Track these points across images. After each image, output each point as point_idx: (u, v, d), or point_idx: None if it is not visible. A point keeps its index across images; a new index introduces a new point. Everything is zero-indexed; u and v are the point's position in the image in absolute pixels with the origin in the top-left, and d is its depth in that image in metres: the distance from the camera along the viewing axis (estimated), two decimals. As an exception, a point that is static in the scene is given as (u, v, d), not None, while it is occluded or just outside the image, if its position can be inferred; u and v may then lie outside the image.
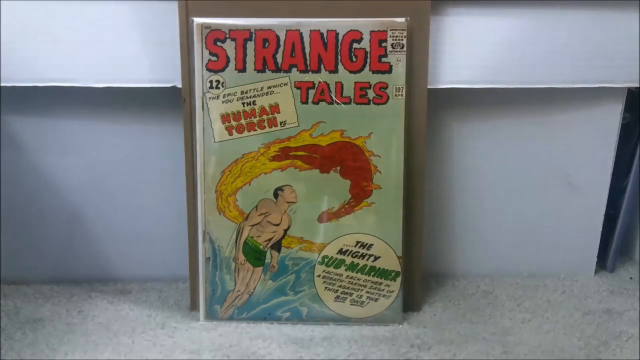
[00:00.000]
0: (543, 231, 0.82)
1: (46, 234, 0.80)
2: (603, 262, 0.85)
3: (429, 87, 0.70)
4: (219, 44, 0.67)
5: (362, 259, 0.70)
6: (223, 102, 0.68)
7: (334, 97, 0.67)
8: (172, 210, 0.77)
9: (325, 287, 0.71)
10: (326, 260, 0.70)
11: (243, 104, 0.68)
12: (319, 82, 0.67)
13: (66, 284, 0.81)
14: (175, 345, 0.67)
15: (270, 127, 0.68)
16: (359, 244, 0.70)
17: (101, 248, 0.81)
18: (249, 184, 0.69)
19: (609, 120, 0.77)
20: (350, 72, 0.67)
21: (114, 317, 0.73)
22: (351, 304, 0.71)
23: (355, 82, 0.67)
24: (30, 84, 0.70)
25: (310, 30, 0.66)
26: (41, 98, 0.74)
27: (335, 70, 0.67)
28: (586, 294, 0.79)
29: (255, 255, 0.70)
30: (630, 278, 0.84)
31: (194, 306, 0.74)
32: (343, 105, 0.67)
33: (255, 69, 0.67)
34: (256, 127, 0.68)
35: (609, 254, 0.85)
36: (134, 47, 0.70)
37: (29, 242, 0.80)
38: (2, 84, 0.70)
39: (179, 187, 0.72)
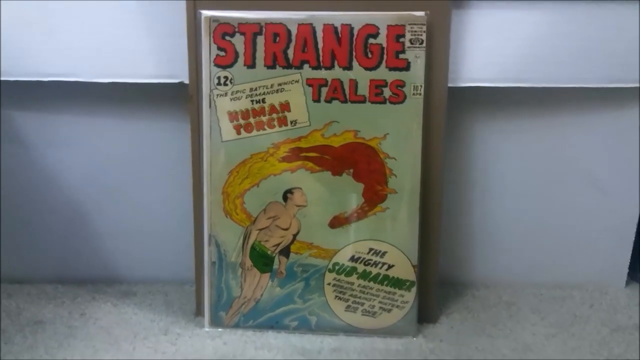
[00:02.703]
0: (570, 238, 0.78)
1: (51, 232, 0.78)
2: (635, 272, 0.80)
3: (449, 85, 0.66)
4: (227, 38, 0.64)
5: (375, 267, 0.67)
6: (231, 99, 0.65)
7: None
8: (179, 210, 0.74)
9: (336, 296, 0.67)
10: (337, 267, 0.67)
11: (252, 101, 0.64)
12: (332, 79, 0.64)
13: (71, 284, 0.79)
14: (177, 353, 0.65)
15: (280, 126, 0.65)
16: (372, 251, 0.66)
17: (107, 248, 0.79)
18: (257, 186, 0.66)
19: (642, 121, 0.73)
20: (365, 68, 0.63)
21: (116, 320, 0.71)
22: (362, 314, 0.68)
23: (370, 80, 0.64)
24: (32, 79, 0.68)
25: (323, 24, 0.63)
26: (44, 93, 0.72)
27: (349, 67, 0.63)
28: (616, 308, 0.74)
29: (262, 260, 0.67)
30: (664, 291, 0.79)
31: (199, 312, 0.72)
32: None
33: (264, 65, 0.64)
34: (265, 126, 0.65)
35: (642, 264, 0.80)
36: (139, 41, 0.67)
37: (33, 240, 0.78)
38: (3, 79, 0.68)
39: (187, 186, 0.70)
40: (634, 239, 0.77)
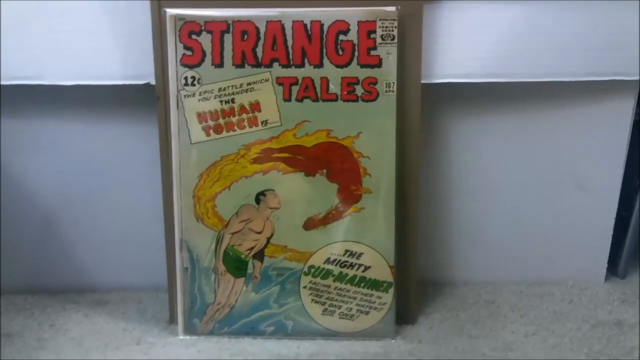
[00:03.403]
0: (549, 235, 0.77)
1: (19, 241, 0.76)
2: (614, 268, 0.80)
3: (422, 82, 0.64)
4: (194, 36, 0.62)
5: (352, 269, 0.65)
6: (199, 100, 0.63)
7: None
8: (151, 214, 0.72)
9: (312, 300, 0.66)
10: (313, 270, 0.65)
11: (221, 102, 0.63)
12: (303, 77, 0.62)
13: (41, 294, 0.76)
14: (150, 363, 0.63)
15: (251, 126, 0.63)
16: (348, 253, 0.65)
17: (77, 256, 0.77)
18: (229, 189, 0.64)
19: (621, 115, 0.72)
20: (337, 66, 0.62)
21: (87, 331, 0.69)
22: (340, 318, 0.66)
23: (342, 77, 0.62)
24: (-6, 83, 0.66)
25: (293, 21, 0.61)
26: (8, 97, 0.70)
27: (320, 65, 0.62)
28: (596, 303, 0.74)
29: (236, 265, 0.65)
30: (644, 285, 0.78)
31: (172, 319, 0.70)
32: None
33: (233, 64, 0.62)
34: (236, 127, 0.63)
35: (621, 259, 0.79)
36: (103, 41, 0.65)
37: (1, 250, 0.76)
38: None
39: (158, 189, 0.68)
40: (612, 233, 0.77)
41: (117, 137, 0.72)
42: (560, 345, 0.65)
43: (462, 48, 0.66)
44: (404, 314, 0.69)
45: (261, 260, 0.65)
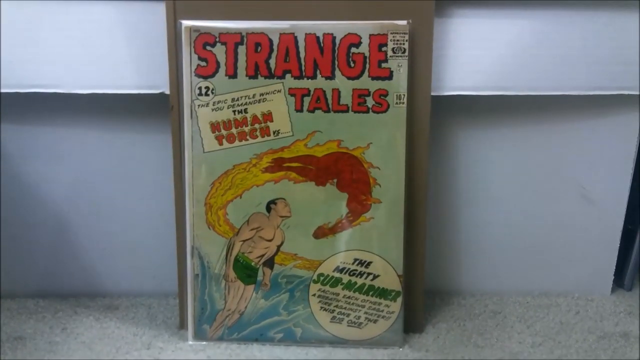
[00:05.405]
0: (556, 247, 0.78)
1: (32, 246, 0.77)
2: (620, 280, 0.81)
3: (432, 94, 0.65)
4: (208, 48, 0.63)
5: (360, 277, 0.66)
6: (213, 109, 0.64)
7: None
8: (162, 221, 0.73)
9: (321, 307, 0.67)
10: (322, 278, 0.66)
11: (234, 111, 0.64)
12: (315, 88, 0.63)
13: (52, 298, 0.77)
14: (160, 368, 0.64)
15: (263, 136, 0.64)
16: (357, 262, 0.66)
17: (89, 261, 0.78)
18: (240, 197, 0.65)
19: (627, 128, 0.73)
20: (348, 78, 0.63)
21: (98, 335, 0.70)
22: (348, 325, 0.67)
23: (353, 89, 0.63)
24: (11, 90, 0.67)
25: (306, 34, 0.62)
26: (24, 105, 0.71)
27: (332, 77, 0.63)
28: (602, 315, 0.74)
29: (246, 272, 0.66)
30: (650, 297, 0.79)
31: (182, 325, 0.70)
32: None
33: (246, 75, 0.63)
34: (248, 137, 0.64)
35: (627, 271, 0.80)
36: (119, 51, 0.66)
37: (14, 254, 0.77)
38: (-17, 91, 0.67)
39: (169, 197, 0.69)
40: (618, 246, 0.77)
41: (131, 145, 0.73)
42: (566, 356, 0.66)
43: (471, 61, 0.67)
44: (412, 323, 0.69)
45: (271, 268, 0.66)
